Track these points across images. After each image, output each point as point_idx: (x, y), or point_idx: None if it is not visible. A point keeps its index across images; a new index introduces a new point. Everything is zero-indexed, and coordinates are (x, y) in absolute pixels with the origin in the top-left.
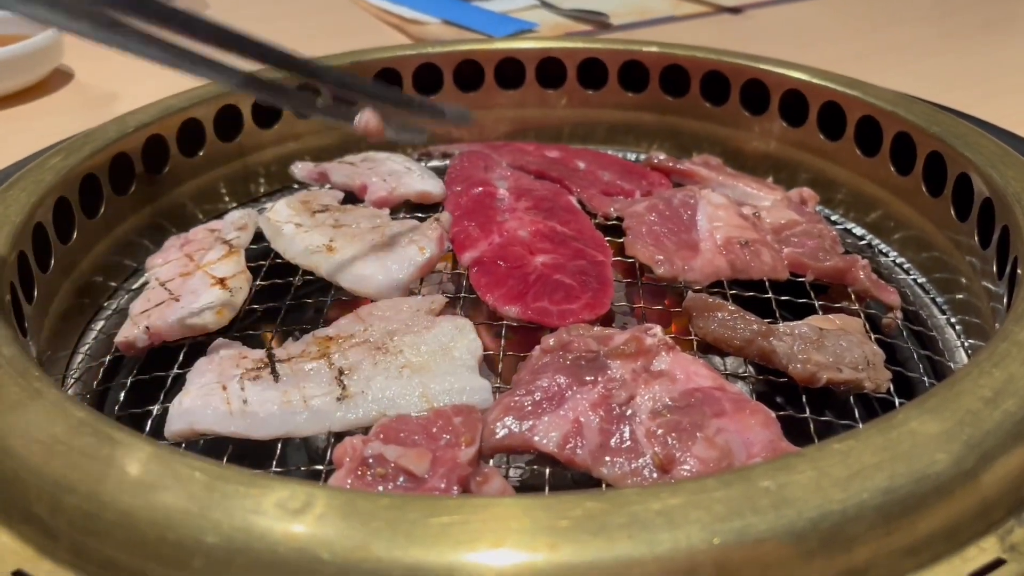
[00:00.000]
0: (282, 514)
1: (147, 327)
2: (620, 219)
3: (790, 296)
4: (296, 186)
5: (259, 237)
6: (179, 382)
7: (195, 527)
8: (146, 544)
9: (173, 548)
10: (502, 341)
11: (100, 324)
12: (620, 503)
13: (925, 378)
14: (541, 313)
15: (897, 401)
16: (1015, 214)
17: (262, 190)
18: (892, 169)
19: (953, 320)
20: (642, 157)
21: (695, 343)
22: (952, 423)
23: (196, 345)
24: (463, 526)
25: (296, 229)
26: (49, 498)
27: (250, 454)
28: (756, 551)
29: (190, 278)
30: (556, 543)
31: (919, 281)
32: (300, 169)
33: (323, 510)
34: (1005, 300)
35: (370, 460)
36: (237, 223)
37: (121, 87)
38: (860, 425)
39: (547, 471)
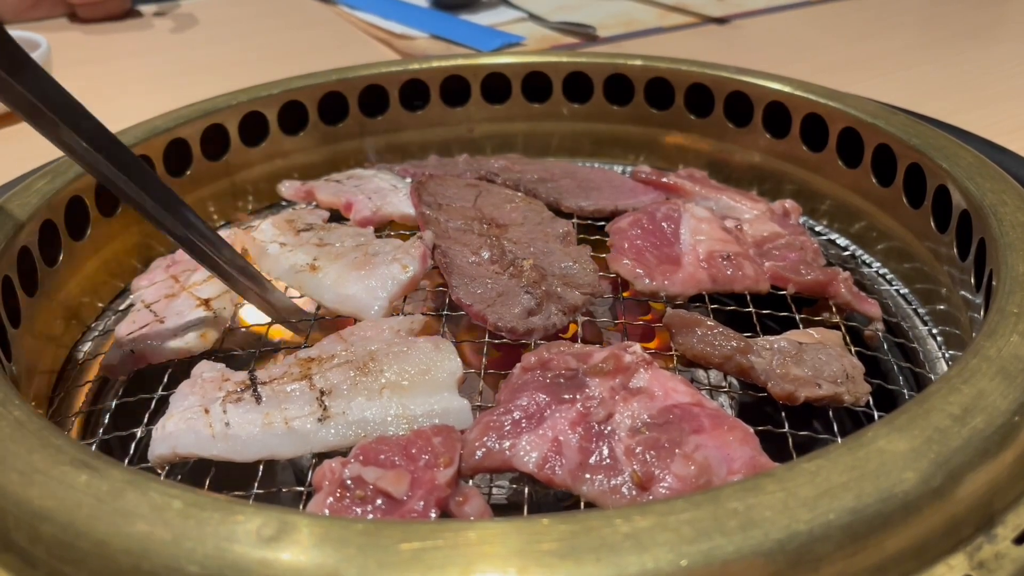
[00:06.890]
0: (256, 541)
1: (131, 350)
2: (606, 234)
3: (772, 309)
4: (284, 204)
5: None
6: (164, 404)
7: (169, 555)
8: (122, 573)
9: None
10: (483, 359)
11: (87, 346)
12: (590, 526)
13: (906, 391)
14: None
15: (876, 415)
16: (991, 226)
17: (250, 208)
18: (874, 180)
19: (935, 331)
20: (629, 169)
21: (676, 357)
22: (920, 441)
23: (181, 366)
24: (434, 551)
25: (281, 248)
26: (27, 527)
27: (234, 475)
28: (723, 573)
29: (175, 300)
30: (525, 567)
31: (902, 292)
32: (287, 188)
33: (296, 537)
34: (982, 311)
35: (349, 482)
36: None
37: (106, 108)
38: (839, 439)
39: (527, 490)
